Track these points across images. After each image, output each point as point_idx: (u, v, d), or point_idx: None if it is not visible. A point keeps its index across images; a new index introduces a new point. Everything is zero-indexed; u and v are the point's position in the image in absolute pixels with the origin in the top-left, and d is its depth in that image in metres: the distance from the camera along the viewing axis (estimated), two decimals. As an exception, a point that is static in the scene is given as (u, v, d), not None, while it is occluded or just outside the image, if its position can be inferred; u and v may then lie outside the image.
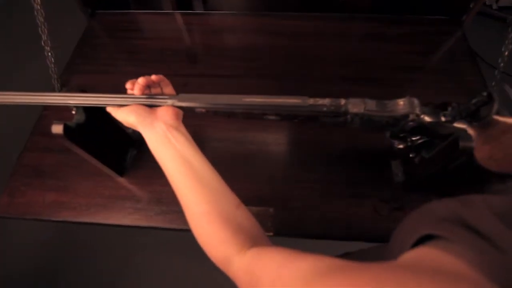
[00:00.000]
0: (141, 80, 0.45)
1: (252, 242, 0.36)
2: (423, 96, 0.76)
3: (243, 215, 0.39)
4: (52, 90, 0.82)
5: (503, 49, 0.68)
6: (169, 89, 0.48)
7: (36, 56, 0.74)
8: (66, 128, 0.48)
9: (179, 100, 0.45)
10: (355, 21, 0.93)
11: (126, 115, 0.44)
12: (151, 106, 0.45)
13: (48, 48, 0.75)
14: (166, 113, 0.44)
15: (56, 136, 0.49)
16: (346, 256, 0.56)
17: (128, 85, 0.46)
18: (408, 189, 0.62)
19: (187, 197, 0.39)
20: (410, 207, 0.61)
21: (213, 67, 0.85)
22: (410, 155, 0.58)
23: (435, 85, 0.79)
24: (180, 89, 0.80)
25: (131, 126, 0.44)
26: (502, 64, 0.69)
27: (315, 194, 0.63)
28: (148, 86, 0.46)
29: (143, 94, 0.45)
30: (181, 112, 0.46)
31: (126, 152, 0.68)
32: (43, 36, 0.73)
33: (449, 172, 0.52)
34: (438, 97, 0.76)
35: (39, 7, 0.70)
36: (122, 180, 0.66)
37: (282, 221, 0.60)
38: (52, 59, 0.77)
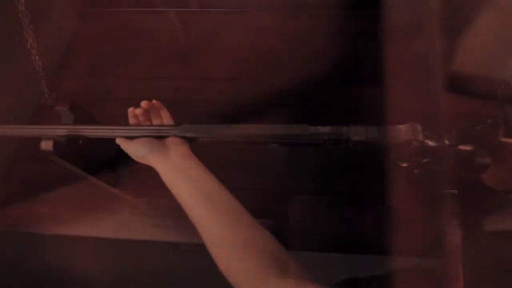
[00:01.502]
0: (141, 108, 0.47)
1: (279, 266, 0.34)
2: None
3: (264, 236, 0.38)
4: (42, 95, 0.79)
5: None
6: (163, 112, 0.49)
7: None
8: (55, 144, 0.46)
9: (182, 131, 0.45)
10: (357, 19, 0.89)
11: (137, 148, 0.44)
12: (155, 138, 0.46)
13: (35, 51, 0.72)
14: (175, 144, 0.44)
15: (45, 153, 0.46)
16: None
17: (130, 112, 0.48)
18: (415, 198, 0.60)
19: (203, 223, 0.38)
20: (416, 218, 0.58)
21: (208, 69, 0.81)
22: (415, 171, 0.56)
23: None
24: (172, 93, 0.78)
25: (142, 160, 0.44)
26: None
27: (316, 205, 0.61)
28: (149, 117, 0.48)
29: (146, 125, 0.47)
30: (186, 141, 0.46)
31: (119, 163, 0.65)
32: (29, 39, 0.69)
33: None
34: (446, 100, 0.74)
35: (23, 8, 0.66)
36: (115, 191, 0.63)
37: (281, 234, 0.58)
38: (40, 62, 0.74)
